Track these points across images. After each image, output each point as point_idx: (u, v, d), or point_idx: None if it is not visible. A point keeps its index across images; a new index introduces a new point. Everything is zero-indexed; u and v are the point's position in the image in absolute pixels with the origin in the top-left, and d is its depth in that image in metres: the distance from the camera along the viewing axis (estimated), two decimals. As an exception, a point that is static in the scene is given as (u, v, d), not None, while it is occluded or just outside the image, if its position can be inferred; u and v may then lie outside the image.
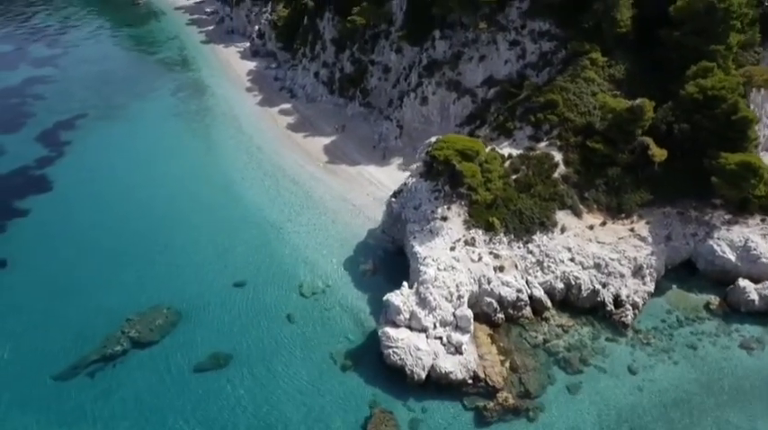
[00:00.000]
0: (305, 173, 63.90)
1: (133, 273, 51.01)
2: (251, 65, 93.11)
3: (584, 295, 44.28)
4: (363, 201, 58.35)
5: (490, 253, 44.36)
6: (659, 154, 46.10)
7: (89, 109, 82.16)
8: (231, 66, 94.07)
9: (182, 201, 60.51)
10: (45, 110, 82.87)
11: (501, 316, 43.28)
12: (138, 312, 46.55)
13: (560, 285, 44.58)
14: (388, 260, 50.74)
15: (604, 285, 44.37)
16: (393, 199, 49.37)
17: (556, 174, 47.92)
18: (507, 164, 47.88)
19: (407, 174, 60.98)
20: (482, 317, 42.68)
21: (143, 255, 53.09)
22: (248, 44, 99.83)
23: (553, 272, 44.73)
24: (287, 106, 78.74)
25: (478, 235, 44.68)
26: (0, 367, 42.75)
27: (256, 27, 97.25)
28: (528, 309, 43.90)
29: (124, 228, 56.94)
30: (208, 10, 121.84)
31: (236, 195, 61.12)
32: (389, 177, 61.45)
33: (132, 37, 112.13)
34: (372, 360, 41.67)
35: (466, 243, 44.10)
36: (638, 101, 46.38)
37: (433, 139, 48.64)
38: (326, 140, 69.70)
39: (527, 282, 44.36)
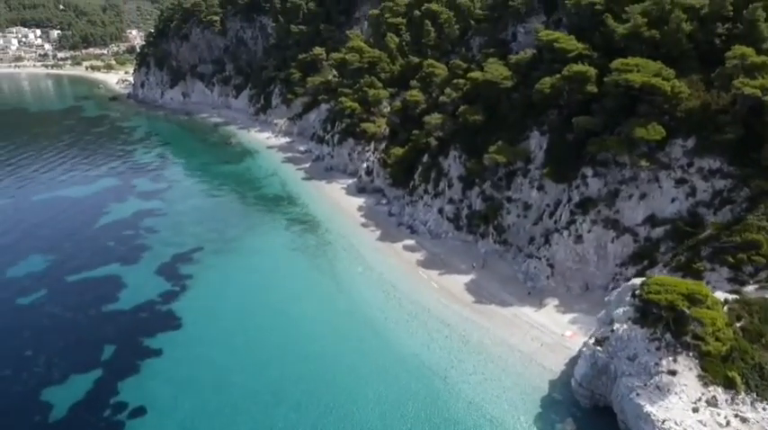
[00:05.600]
0: (452, 313, 59.38)
1: (296, 426, 45.27)
2: (359, 201, 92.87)
3: None
4: (530, 348, 52.90)
5: (735, 416, 37.83)
6: None
7: (204, 242, 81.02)
8: (338, 201, 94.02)
9: (326, 344, 55.86)
10: (160, 243, 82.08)
11: (765, 498, 35.75)
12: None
13: (824, 459, 37.29)
14: (586, 418, 44.25)
15: None
16: (598, 348, 43.98)
17: (783, 323, 42.46)
18: (725, 309, 42.76)
19: (571, 316, 56.75)
20: (741, 498, 35.23)
21: (301, 404, 47.69)
22: (351, 181, 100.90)
23: (812, 441, 37.65)
24: (410, 242, 76.35)
25: (718, 393, 38.49)
26: None
27: (364, 164, 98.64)
28: (792, 489, 36.37)
29: (270, 373, 52.11)
30: (301, 149, 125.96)
31: (384, 337, 56.39)
32: (551, 320, 56.48)
33: (232, 173, 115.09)
34: None
35: (708, 403, 37.85)
36: None
37: (638, 281, 44.42)
38: (465, 278, 65.92)
39: (784, 454, 37.27)
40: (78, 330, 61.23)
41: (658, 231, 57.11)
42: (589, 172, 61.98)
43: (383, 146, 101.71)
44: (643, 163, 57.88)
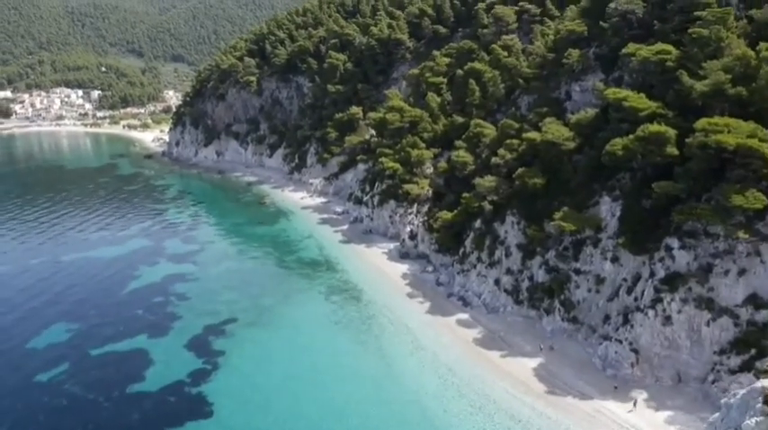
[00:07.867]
0: (523, 406, 51.39)
1: None
2: (403, 267, 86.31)
3: None
4: (623, 454, 44.62)
5: None
6: None
7: (237, 312, 74.93)
8: (380, 268, 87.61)
9: (378, 440, 48.42)
10: (190, 311, 76.33)
11: None
12: None
13: None
14: None
15: None
16: (725, 468, 35.72)
17: None
18: None
19: (665, 414, 48.65)
20: None
21: None
22: (392, 245, 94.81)
23: None
24: (464, 316, 69.03)
25: None
26: None
27: (407, 228, 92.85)
28: None
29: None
30: (338, 209, 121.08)
31: (446, 435, 48.72)
32: (642, 418, 48.08)
33: (266, 235, 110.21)
34: None
35: None
36: None
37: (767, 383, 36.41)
38: (532, 362, 58.08)
39: None
40: (99, 415, 54.82)
41: (764, 314, 49.19)
42: (675, 243, 54.77)
43: (426, 208, 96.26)
44: (741, 234, 50.62)
